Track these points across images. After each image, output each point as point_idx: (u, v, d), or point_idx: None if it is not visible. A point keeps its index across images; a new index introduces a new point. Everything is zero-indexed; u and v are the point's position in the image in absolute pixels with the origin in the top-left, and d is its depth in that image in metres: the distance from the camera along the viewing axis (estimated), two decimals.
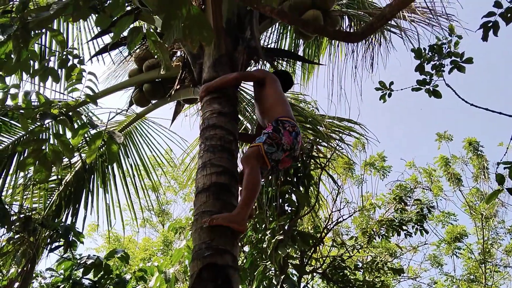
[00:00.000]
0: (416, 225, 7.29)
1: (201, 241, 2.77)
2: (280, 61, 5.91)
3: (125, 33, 2.41)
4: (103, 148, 4.88)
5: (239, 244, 5.85)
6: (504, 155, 2.55)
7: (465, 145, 12.37)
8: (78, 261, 4.65)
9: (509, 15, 3.06)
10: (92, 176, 5.25)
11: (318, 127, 6.00)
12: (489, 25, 3.15)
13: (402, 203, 7.80)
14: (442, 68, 4.10)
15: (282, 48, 6.04)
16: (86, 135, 4.26)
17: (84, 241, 4.87)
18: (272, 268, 5.69)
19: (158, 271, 5.01)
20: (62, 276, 4.86)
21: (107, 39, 5.21)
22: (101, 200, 5.24)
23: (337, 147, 6.33)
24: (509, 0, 3.02)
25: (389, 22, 5.46)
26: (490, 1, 3.05)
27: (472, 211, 11.86)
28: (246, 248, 6.04)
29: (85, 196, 5.24)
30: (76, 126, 2.86)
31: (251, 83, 4.23)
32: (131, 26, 2.38)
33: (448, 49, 4.10)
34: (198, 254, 2.73)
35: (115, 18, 2.42)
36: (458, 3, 5.66)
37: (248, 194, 2.99)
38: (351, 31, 5.16)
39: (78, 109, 2.93)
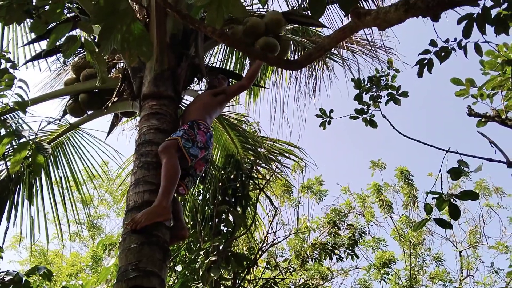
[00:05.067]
0: (348, 250, 7.46)
1: (128, 262, 2.65)
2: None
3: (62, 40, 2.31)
4: (31, 158, 4.61)
5: (171, 263, 5.73)
6: (433, 185, 2.67)
7: (397, 174, 12.85)
8: None
9: (442, 54, 3.23)
10: (18, 186, 4.93)
11: (259, 148, 6.03)
12: (424, 62, 3.31)
13: (336, 227, 7.97)
14: (379, 99, 4.28)
15: (228, 68, 6.03)
16: (13, 143, 4.02)
17: (6, 254, 4.57)
18: None
19: None
20: None
21: (45, 44, 4.98)
22: (26, 212, 4.93)
23: (276, 169, 6.39)
24: (443, 40, 3.20)
25: (331, 51, 5.63)
26: (427, 37, 3.22)
27: (401, 238, 12.27)
28: (179, 268, 5.90)
29: (9, 208, 4.90)
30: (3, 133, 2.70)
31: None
32: (68, 34, 2.28)
33: (386, 82, 4.28)
34: (124, 275, 2.61)
35: (53, 24, 2.32)
36: (396, 38, 5.98)
37: (166, 183, 2.99)
38: (291, 59, 5.26)
39: (5, 116, 2.76)
